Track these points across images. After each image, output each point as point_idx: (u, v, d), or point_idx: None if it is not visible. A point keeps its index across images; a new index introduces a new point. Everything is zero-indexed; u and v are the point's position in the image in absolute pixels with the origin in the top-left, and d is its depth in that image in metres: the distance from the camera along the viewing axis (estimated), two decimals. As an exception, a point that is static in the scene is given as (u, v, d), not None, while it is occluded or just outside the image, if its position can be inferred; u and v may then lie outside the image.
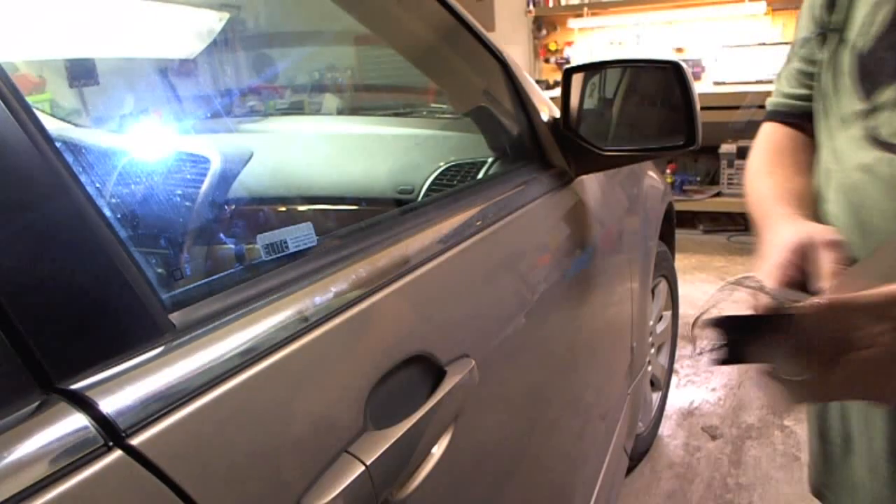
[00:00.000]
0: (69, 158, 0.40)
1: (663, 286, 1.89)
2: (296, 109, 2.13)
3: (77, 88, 1.18)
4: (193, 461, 0.40)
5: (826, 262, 0.54)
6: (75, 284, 0.38)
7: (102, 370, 0.38)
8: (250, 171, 1.07)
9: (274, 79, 2.44)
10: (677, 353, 2.34)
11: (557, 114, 1.16)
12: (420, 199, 1.20)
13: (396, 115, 1.76)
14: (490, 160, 1.16)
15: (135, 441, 0.37)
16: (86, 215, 0.39)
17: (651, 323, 1.76)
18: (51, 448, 0.34)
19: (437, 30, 1.07)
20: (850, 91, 0.65)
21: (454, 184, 1.18)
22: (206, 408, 0.41)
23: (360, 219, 0.71)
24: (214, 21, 1.41)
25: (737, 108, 3.52)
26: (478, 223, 0.82)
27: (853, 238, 0.62)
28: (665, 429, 2.02)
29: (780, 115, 0.79)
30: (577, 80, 1.12)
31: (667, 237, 1.90)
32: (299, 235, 0.59)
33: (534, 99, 1.12)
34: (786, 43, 3.76)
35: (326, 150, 1.48)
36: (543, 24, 4.37)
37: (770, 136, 0.79)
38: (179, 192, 0.90)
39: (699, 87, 2.91)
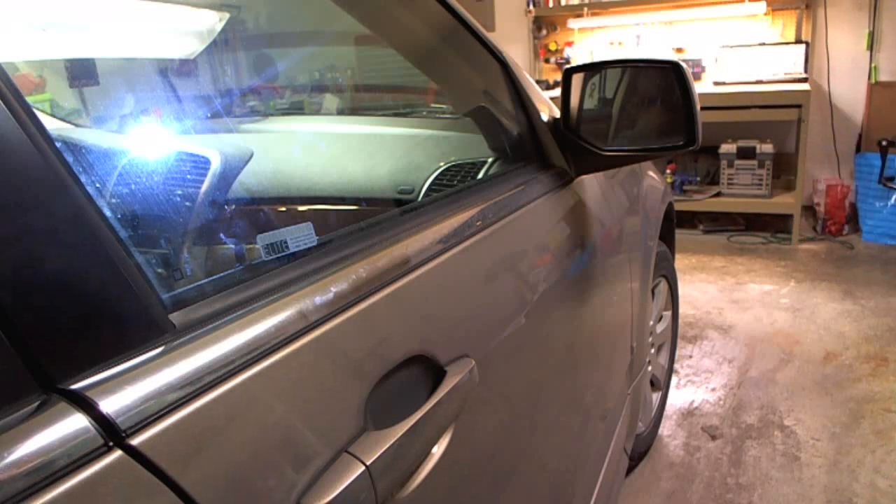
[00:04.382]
0: (69, 158, 0.40)
1: (663, 286, 1.89)
2: (296, 109, 2.13)
3: (77, 88, 1.18)
4: (193, 461, 0.40)
5: None
6: (75, 284, 0.38)
7: (102, 370, 0.38)
8: (250, 171, 1.07)
9: (274, 79, 2.44)
10: (677, 353, 2.34)
11: (557, 114, 1.16)
12: (420, 199, 1.20)
13: (396, 115, 1.77)
14: (490, 160, 1.16)
15: (135, 441, 0.37)
16: (86, 215, 0.39)
17: (651, 323, 1.76)
18: (51, 448, 0.34)
19: (437, 30, 1.07)
20: None
21: (454, 184, 1.18)
22: (206, 408, 0.41)
23: (360, 219, 0.71)
24: (214, 21, 1.41)
25: (737, 108, 3.53)
26: (478, 223, 0.82)
27: None
28: (665, 429, 2.02)
29: None
30: (577, 80, 1.12)
31: (667, 237, 1.90)
32: (299, 235, 0.59)
33: (534, 99, 1.12)
34: (785, 43, 3.77)
35: (326, 150, 1.48)
36: (543, 24, 4.37)
37: None
38: (179, 192, 0.90)
39: (699, 87, 2.92)
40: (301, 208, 1.20)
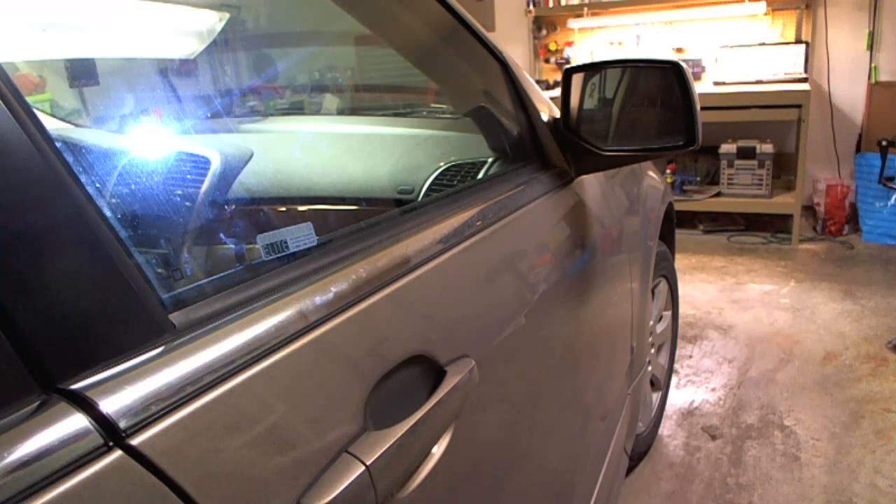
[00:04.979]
0: (69, 158, 0.40)
1: (663, 286, 1.89)
2: (296, 109, 2.13)
3: (77, 88, 1.18)
4: (193, 461, 0.40)
5: None
6: (75, 284, 0.38)
7: (102, 370, 0.38)
8: (250, 171, 1.07)
9: (274, 79, 2.44)
10: (677, 353, 2.34)
11: (557, 114, 1.16)
12: (420, 199, 1.20)
13: (396, 115, 1.76)
14: (490, 160, 1.16)
15: (135, 441, 0.37)
16: (86, 215, 0.39)
17: (651, 323, 1.76)
18: (51, 448, 0.34)
19: (437, 30, 1.07)
20: None
21: (454, 184, 1.18)
22: (206, 408, 0.41)
23: (360, 219, 0.71)
24: (214, 21, 1.41)
25: (737, 108, 3.53)
26: (478, 223, 0.82)
27: None
28: (665, 429, 2.02)
29: None
30: (577, 80, 1.12)
31: (667, 237, 1.90)
32: (299, 235, 0.59)
33: (534, 99, 1.12)
34: (785, 43, 3.77)
35: (326, 150, 1.48)
36: (543, 24, 4.37)
37: None
38: (179, 192, 0.90)
39: (699, 87, 2.92)
40: (301, 208, 1.20)
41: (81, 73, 1.07)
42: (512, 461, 0.81)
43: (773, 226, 3.85)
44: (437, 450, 0.61)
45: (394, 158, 1.40)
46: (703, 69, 3.99)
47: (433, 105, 1.72)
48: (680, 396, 2.19)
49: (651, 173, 1.73)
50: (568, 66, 1.14)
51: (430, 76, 1.23)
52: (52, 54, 1.10)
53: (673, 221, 1.99)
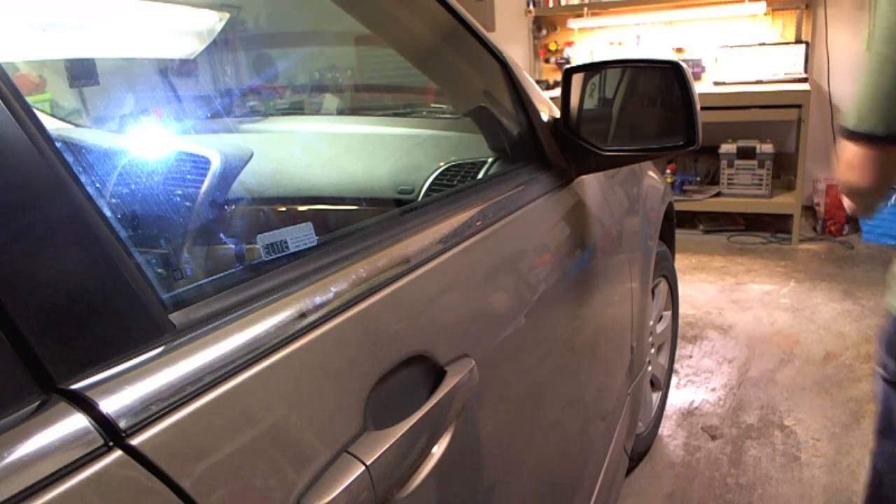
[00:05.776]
0: (69, 158, 0.40)
1: (663, 286, 1.89)
2: (296, 109, 2.13)
3: (77, 88, 1.19)
4: (193, 461, 0.40)
5: None
6: (75, 284, 0.38)
7: (103, 370, 0.38)
8: (250, 171, 1.07)
9: (274, 79, 2.44)
10: (677, 353, 2.34)
11: (557, 114, 1.16)
12: (420, 199, 1.20)
13: (396, 115, 1.77)
14: (490, 160, 1.16)
15: (135, 441, 0.37)
16: (86, 215, 0.39)
17: (651, 323, 1.76)
18: (51, 448, 0.34)
19: (437, 30, 1.07)
20: None
21: (454, 184, 1.18)
22: (206, 408, 0.41)
23: (360, 219, 0.71)
24: (214, 21, 1.41)
25: (737, 108, 3.53)
26: (478, 223, 0.82)
27: None
28: (665, 429, 2.02)
29: None
30: (577, 80, 1.12)
31: (667, 237, 1.90)
32: (299, 235, 0.59)
33: (534, 99, 1.12)
34: (785, 43, 3.77)
35: (326, 150, 1.48)
36: (543, 24, 4.37)
37: None
38: (179, 192, 0.90)
39: (699, 87, 2.91)
40: (301, 208, 1.20)
41: (81, 73, 1.07)
42: (512, 461, 0.81)
43: (773, 226, 3.85)
44: (437, 450, 0.61)
45: (394, 158, 1.40)
46: (703, 69, 3.99)
47: (433, 105, 1.72)
48: (680, 396, 2.19)
49: (651, 173, 1.73)
50: (568, 66, 1.14)
51: (430, 76, 1.23)
52: (52, 54, 1.10)
53: (673, 221, 1.99)
